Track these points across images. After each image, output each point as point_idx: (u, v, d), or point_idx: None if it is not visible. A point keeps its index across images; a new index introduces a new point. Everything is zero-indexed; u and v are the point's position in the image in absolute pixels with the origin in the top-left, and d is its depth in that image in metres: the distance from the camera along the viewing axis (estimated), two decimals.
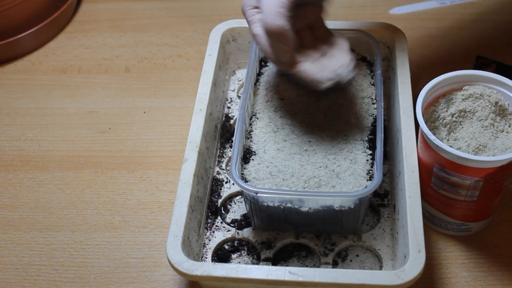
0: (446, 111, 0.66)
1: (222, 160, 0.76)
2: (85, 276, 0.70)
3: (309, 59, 0.66)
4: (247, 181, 0.64)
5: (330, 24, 0.72)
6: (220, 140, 0.77)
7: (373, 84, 0.72)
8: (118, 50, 0.94)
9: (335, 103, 0.71)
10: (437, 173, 0.65)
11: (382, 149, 0.64)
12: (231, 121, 0.79)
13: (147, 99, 0.87)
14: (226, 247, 0.69)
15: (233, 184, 0.73)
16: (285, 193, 0.62)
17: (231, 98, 0.82)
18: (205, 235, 0.69)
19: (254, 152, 0.67)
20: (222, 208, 0.72)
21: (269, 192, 0.63)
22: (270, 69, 0.75)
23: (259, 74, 0.75)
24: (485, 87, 0.67)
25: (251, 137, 0.69)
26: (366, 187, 0.63)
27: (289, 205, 0.64)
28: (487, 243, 0.70)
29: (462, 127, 0.65)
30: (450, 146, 0.63)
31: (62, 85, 0.89)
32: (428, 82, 0.67)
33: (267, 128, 0.69)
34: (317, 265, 0.67)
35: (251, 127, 0.70)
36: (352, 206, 0.63)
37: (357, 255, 0.68)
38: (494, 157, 0.61)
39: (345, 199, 0.63)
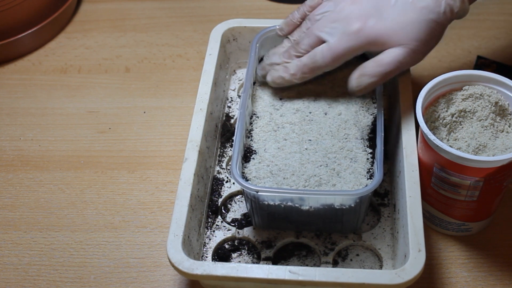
0: (446, 111, 0.66)
1: (223, 159, 0.76)
2: (85, 276, 0.70)
3: None
4: (247, 180, 0.64)
5: None
6: (220, 140, 0.77)
7: None
8: (118, 50, 0.93)
9: (335, 101, 0.71)
10: (437, 173, 0.65)
11: (383, 148, 0.64)
12: (232, 121, 0.79)
13: (147, 99, 0.87)
14: (227, 246, 0.69)
15: (234, 183, 0.73)
16: (286, 192, 0.62)
17: (231, 97, 0.82)
18: (206, 234, 0.69)
19: (255, 151, 0.67)
20: (223, 207, 0.72)
21: (269, 191, 0.63)
22: None
23: None
24: (485, 87, 0.67)
25: (251, 136, 0.69)
26: (366, 185, 0.63)
27: (289, 203, 0.64)
28: (487, 243, 0.70)
29: (462, 127, 0.65)
30: (450, 146, 0.63)
31: (62, 85, 0.89)
32: (428, 82, 0.67)
33: (268, 127, 0.69)
34: (317, 264, 0.67)
35: (252, 126, 0.70)
36: (352, 205, 0.63)
37: (357, 255, 0.68)
38: (494, 157, 0.61)
39: (346, 197, 0.63)
